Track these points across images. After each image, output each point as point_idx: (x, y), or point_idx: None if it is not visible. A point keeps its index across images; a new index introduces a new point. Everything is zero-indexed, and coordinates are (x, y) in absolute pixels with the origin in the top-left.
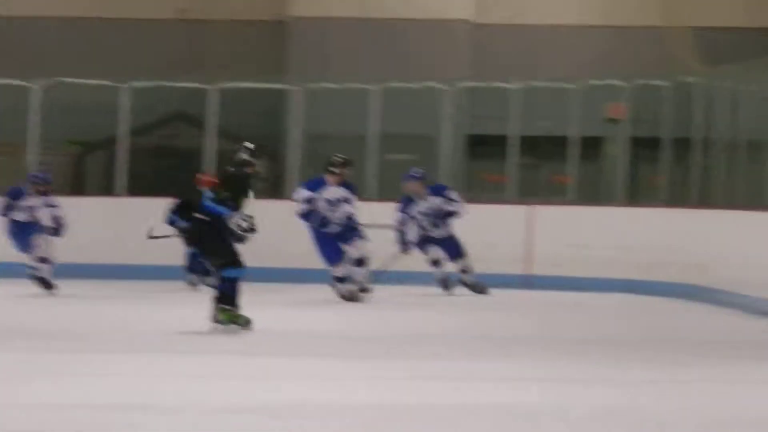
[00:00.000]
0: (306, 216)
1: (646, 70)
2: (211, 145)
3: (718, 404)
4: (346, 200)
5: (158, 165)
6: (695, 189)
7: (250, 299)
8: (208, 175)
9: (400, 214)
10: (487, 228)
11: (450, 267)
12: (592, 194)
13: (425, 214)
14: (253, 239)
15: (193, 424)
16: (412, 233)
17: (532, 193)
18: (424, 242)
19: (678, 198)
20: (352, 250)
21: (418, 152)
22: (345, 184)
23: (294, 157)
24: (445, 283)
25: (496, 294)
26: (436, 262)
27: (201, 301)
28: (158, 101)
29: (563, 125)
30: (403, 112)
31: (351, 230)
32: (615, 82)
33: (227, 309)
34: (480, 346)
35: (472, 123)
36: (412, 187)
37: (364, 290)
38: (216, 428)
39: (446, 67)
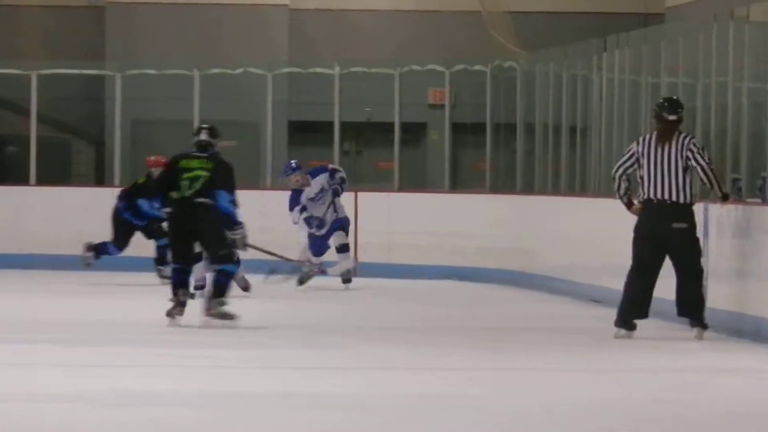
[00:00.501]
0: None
1: (466, 55)
2: (32, 131)
3: (543, 391)
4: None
5: None
6: (519, 175)
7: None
8: (158, 157)
9: (295, 213)
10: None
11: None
12: (417, 180)
13: (314, 199)
14: None
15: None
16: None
17: (356, 179)
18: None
19: (502, 184)
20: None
21: (242, 138)
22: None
23: (117, 143)
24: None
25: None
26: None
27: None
28: None
29: (385, 111)
30: (225, 98)
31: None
32: (436, 66)
33: (224, 302)
34: (305, 335)
35: (294, 109)
36: (295, 180)
37: (347, 280)
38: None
39: (266, 53)
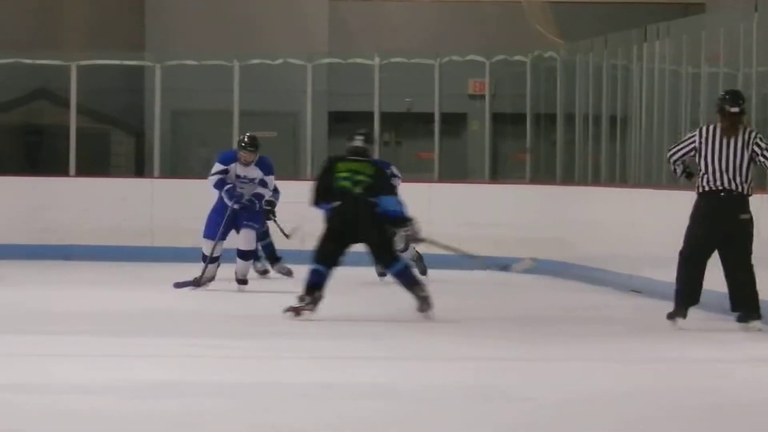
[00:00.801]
0: (218, 185)
1: (506, 45)
2: (72, 122)
3: (585, 381)
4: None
5: (21, 143)
6: (559, 165)
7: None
8: None
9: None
10: None
11: None
12: (457, 171)
13: None
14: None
15: None
16: None
17: (400, 169)
18: None
19: (542, 175)
20: (239, 238)
21: (281, 129)
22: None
23: (156, 134)
24: None
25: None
26: None
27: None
28: (19, 78)
29: (425, 102)
30: (265, 89)
31: (251, 215)
32: (476, 57)
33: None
34: (340, 325)
35: (334, 100)
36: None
37: (242, 282)
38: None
39: (306, 44)
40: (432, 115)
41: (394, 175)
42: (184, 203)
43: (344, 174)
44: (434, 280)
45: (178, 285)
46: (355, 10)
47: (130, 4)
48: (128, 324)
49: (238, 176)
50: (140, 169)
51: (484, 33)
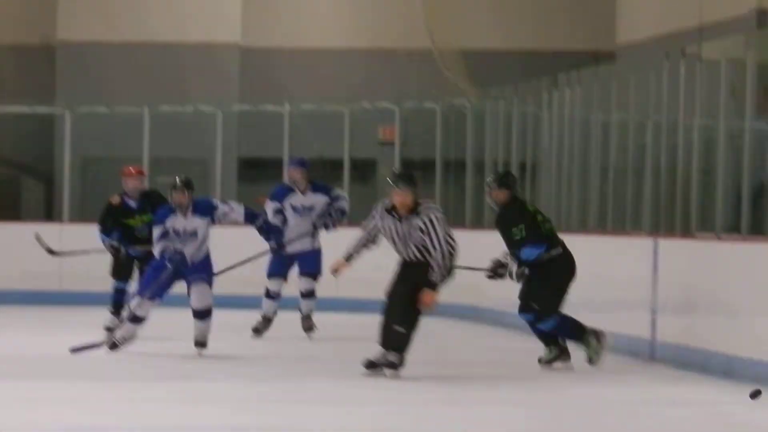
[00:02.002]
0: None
1: (417, 92)
2: None
3: (503, 424)
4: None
5: None
6: (469, 210)
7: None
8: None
9: (272, 204)
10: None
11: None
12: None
13: (298, 210)
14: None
15: None
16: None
17: None
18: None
19: (452, 220)
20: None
21: (191, 175)
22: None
23: (66, 181)
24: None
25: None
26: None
27: None
28: None
29: (336, 148)
30: (175, 135)
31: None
32: (386, 104)
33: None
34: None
35: (244, 146)
36: (295, 175)
37: (200, 345)
38: None
39: (217, 91)
40: (341, 161)
41: (342, 212)
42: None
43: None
44: (348, 323)
45: (76, 350)
46: (267, 58)
47: (41, 52)
48: (33, 367)
49: (176, 231)
50: (50, 215)
51: (395, 80)
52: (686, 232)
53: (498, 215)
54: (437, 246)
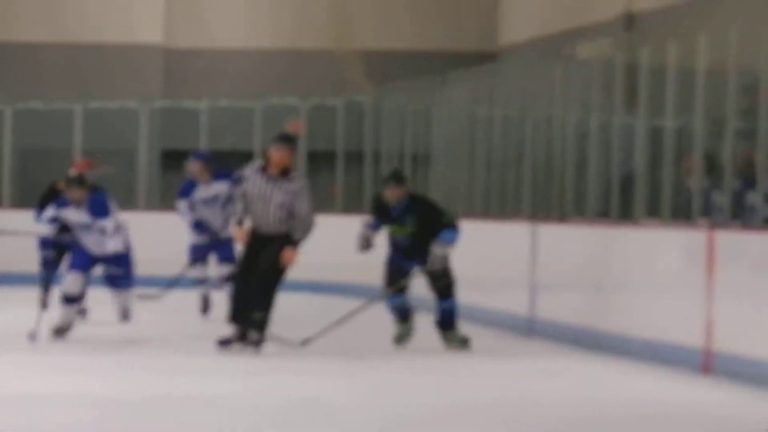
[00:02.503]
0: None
1: (321, 90)
2: None
3: (406, 395)
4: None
5: None
6: (367, 198)
7: None
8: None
9: (182, 201)
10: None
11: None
12: None
13: (207, 202)
14: None
15: None
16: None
17: None
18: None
19: (353, 206)
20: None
21: (119, 166)
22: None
23: (6, 170)
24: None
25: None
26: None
27: None
28: None
29: (249, 141)
30: (104, 129)
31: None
32: (293, 101)
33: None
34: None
35: (166, 139)
36: (193, 168)
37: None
38: None
39: (141, 88)
40: (252, 153)
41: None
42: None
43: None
44: None
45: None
46: (187, 57)
47: None
48: None
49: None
50: None
51: (302, 79)
52: (562, 217)
53: (422, 206)
54: (302, 212)
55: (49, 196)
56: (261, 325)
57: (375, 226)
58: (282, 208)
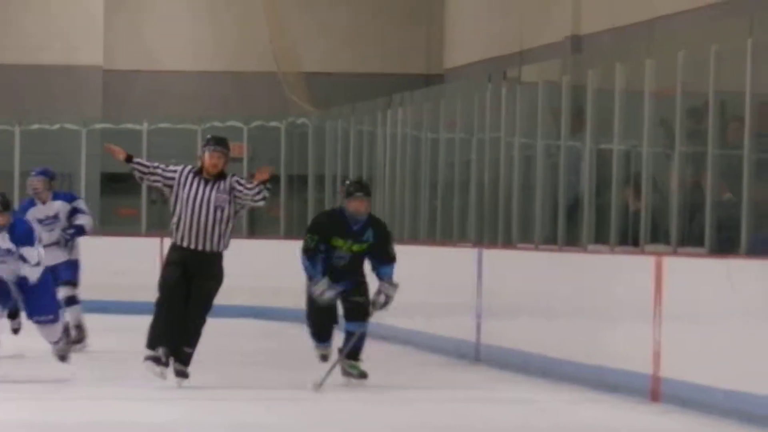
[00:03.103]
0: None
1: (263, 112)
2: None
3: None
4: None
5: None
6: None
7: None
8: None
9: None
10: (121, 258)
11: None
12: None
13: (42, 222)
14: None
15: None
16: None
17: (164, 226)
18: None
19: (295, 230)
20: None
21: (58, 189)
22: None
23: None
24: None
25: (124, 319)
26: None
27: None
28: None
29: (191, 162)
30: (43, 151)
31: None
32: (235, 123)
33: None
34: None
35: (106, 162)
36: (36, 185)
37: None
38: None
39: (81, 110)
40: None
41: (80, 230)
42: None
43: None
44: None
45: None
46: (127, 80)
47: None
48: None
49: None
50: None
51: (244, 101)
52: (507, 243)
53: (381, 227)
54: (248, 193)
55: None
56: (188, 360)
57: (318, 268)
58: (220, 209)
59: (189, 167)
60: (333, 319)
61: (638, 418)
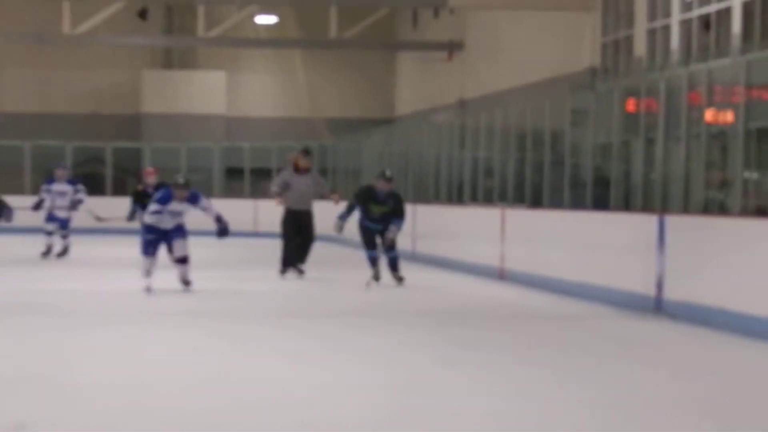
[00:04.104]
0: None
1: (305, 138)
2: None
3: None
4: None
5: None
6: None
7: None
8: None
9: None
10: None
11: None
12: None
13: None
14: None
15: None
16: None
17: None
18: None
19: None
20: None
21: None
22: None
23: None
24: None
25: None
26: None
27: None
28: None
29: (267, 161)
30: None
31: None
32: (290, 143)
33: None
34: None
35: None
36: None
37: None
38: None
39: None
40: (271, 170)
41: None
42: None
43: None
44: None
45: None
46: (240, 123)
47: None
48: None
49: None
50: None
51: (296, 131)
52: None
53: (397, 198)
54: (322, 184)
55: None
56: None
57: (348, 214)
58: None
59: (288, 169)
60: (374, 243)
61: (492, 289)
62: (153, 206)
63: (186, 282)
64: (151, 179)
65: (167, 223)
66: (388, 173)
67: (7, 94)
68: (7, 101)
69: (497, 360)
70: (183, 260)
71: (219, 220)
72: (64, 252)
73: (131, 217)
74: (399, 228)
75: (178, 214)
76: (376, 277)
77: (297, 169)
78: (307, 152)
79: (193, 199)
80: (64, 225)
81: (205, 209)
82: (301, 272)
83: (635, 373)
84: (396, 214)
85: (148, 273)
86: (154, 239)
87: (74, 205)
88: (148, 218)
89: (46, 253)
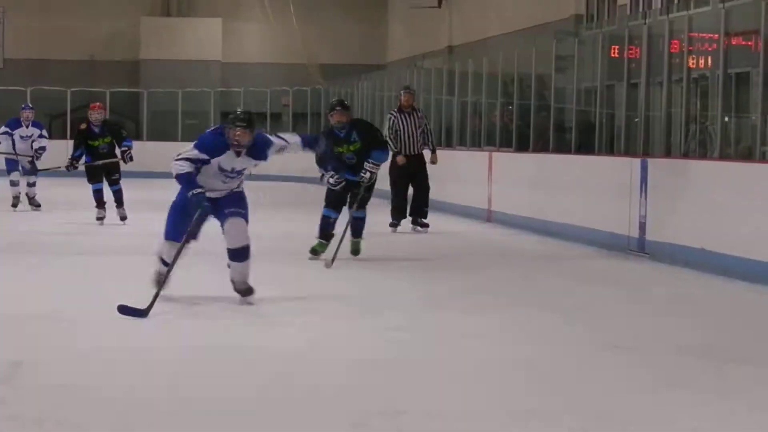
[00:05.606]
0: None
1: (299, 83)
2: None
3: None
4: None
5: None
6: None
7: None
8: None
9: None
10: None
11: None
12: None
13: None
14: None
15: None
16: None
17: None
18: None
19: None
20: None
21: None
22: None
23: None
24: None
25: None
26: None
27: None
28: None
29: (264, 105)
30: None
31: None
32: (285, 87)
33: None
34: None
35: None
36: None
37: None
38: None
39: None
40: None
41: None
42: None
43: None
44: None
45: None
46: (235, 68)
47: None
48: None
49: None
50: None
51: (290, 77)
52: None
53: (362, 125)
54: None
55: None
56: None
57: (321, 169)
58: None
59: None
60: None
61: (481, 229)
62: (190, 152)
63: (245, 291)
64: (97, 115)
65: (218, 189)
66: (336, 101)
67: (8, 40)
68: (8, 48)
69: (490, 303)
70: (241, 254)
71: (306, 142)
72: (32, 201)
73: (72, 164)
74: (377, 164)
75: (234, 174)
76: (325, 257)
77: (401, 110)
78: (344, 106)
79: (259, 151)
80: (28, 172)
81: (282, 149)
82: (424, 226)
83: (633, 313)
84: (372, 147)
85: (165, 269)
86: (201, 213)
87: (37, 152)
88: (180, 167)
89: (15, 205)
